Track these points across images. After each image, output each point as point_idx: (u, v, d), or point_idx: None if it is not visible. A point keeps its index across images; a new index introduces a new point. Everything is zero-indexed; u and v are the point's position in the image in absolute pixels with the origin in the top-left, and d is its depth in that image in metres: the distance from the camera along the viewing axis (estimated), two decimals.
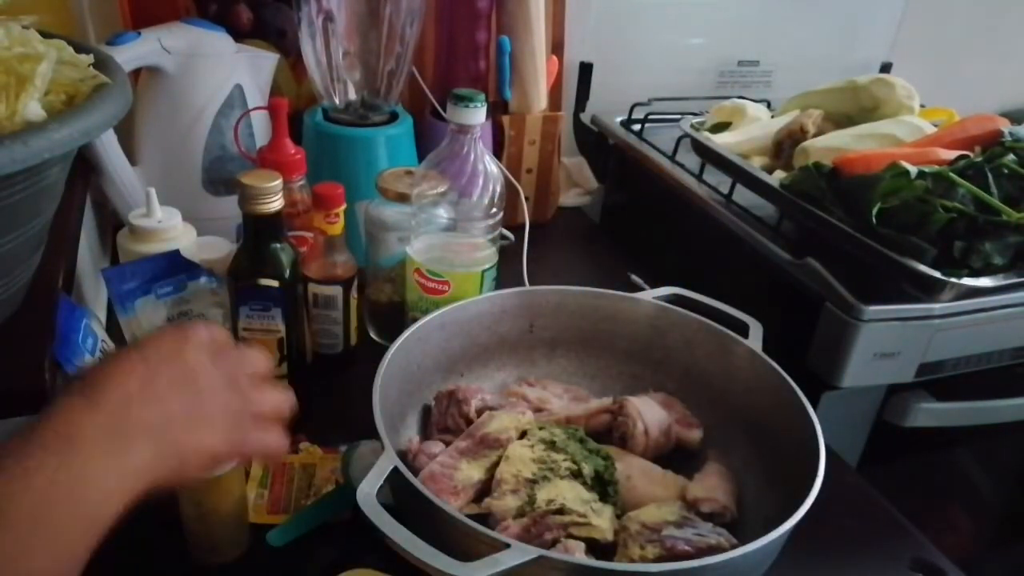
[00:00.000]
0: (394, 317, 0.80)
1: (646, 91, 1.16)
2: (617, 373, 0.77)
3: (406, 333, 0.67)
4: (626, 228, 1.17)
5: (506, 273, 0.84)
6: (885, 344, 0.78)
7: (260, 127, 0.92)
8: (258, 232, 0.63)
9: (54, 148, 0.45)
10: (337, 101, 0.93)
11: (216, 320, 0.72)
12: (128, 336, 0.70)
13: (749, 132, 1.04)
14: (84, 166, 0.84)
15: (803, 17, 1.31)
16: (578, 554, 0.54)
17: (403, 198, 0.77)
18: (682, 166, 1.03)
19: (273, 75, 0.96)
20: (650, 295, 0.77)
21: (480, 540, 0.48)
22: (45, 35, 0.55)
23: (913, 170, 0.78)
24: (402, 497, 0.54)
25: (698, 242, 1.01)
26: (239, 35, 0.94)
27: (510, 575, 0.46)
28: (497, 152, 1.05)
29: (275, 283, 0.64)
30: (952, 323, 0.79)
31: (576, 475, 0.61)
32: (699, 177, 1.00)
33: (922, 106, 1.01)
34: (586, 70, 1.19)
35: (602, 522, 0.58)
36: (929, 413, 0.87)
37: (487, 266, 0.76)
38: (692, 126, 1.03)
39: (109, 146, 0.85)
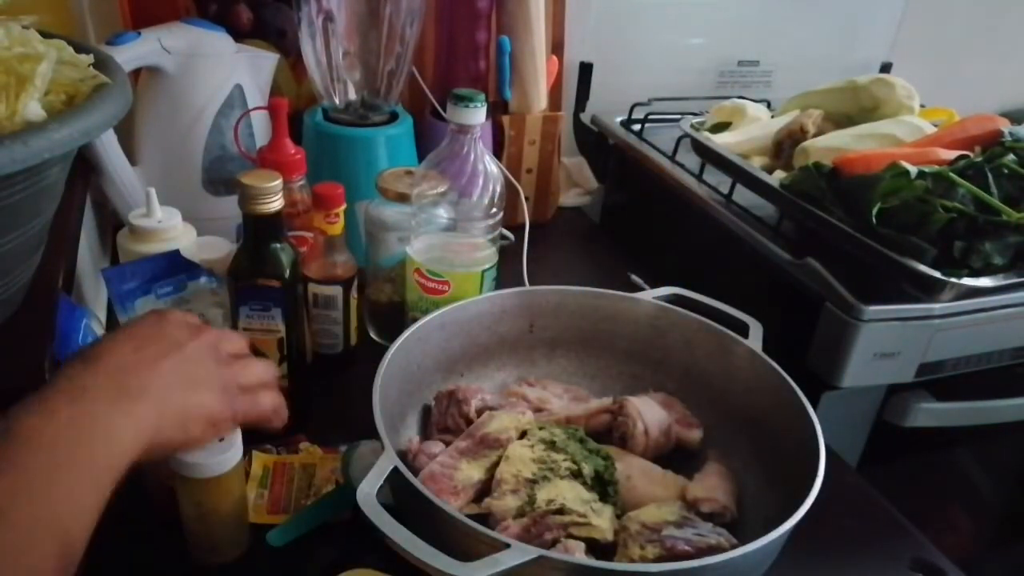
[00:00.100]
0: (394, 317, 0.80)
1: (646, 91, 1.16)
2: (617, 373, 0.77)
3: (406, 333, 0.67)
4: (626, 228, 1.17)
5: (506, 273, 0.84)
6: (885, 344, 0.78)
7: (260, 127, 0.92)
8: (258, 232, 0.63)
9: (54, 148, 0.45)
10: (337, 101, 0.93)
11: (216, 320, 0.72)
12: None
13: (749, 132, 1.04)
14: (84, 166, 0.84)
15: (803, 17, 1.31)
16: (578, 554, 0.54)
17: (403, 198, 0.77)
18: (682, 166, 1.03)
19: (273, 75, 0.96)
20: (650, 295, 0.77)
21: (480, 540, 0.48)
22: (45, 35, 0.55)
23: (913, 170, 0.78)
24: (402, 497, 0.54)
25: (698, 242, 1.01)
26: (239, 35, 0.94)
27: (510, 575, 0.46)
28: (497, 152, 1.05)
29: (275, 283, 0.64)
30: (952, 323, 0.79)
31: (576, 475, 0.61)
32: (699, 177, 1.00)
33: (922, 106, 1.01)
34: (586, 70, 1.19)
35: (602, 522, 0.58)
36: (929, 413, 0.87)
37: (487, 266, 0.76)
38: (692, 126, 1.03)
39: (109, 146, 0.85)
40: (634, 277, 1.00)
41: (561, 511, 0.58)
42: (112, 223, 0.95)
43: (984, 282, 0.77)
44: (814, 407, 0.62)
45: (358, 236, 0.86)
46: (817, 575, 0.64)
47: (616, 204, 1.20)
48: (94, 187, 0.88)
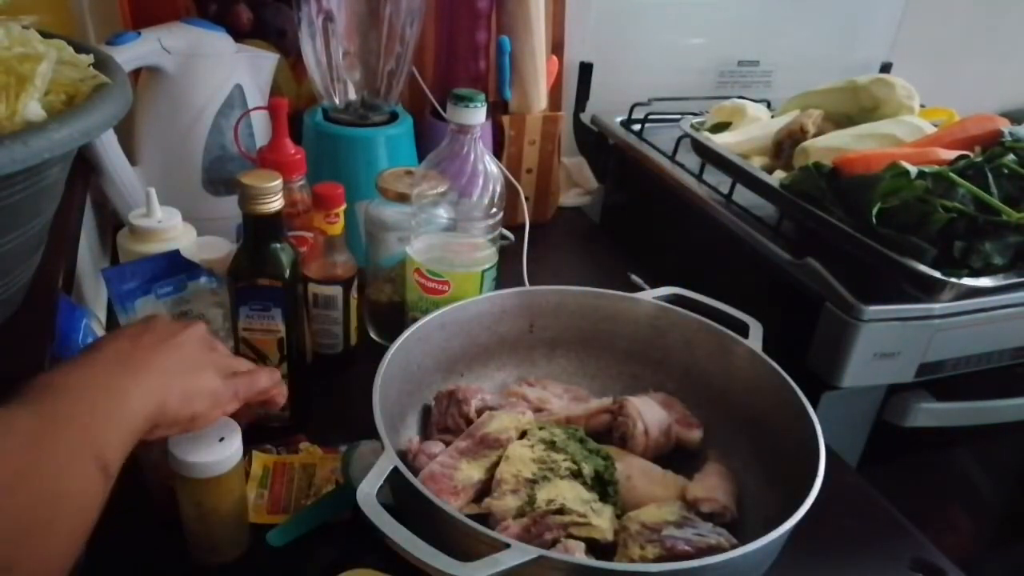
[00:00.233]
0: (394, 317, 0.80)
1: (646, 91, 1.16)
2: (617, 373, 0.77)
3: (406, 333, 0.67)
4: (626, 228, 1.17)
5: (506, 273, 0.84)
6: (885, 344, 0.78)
7: (260, 127, 0.92)
8: (258, 232, 0.63)
9: (54, 148, 0.45)
10: (337, 101, 0.93)
11: (216, 320, 0.72)
12: None
13: (749, 132, 1.04)
14: (84, 166, 0.84)
15: (803, 17, 1.31)
16: (578, 554, 0.54)
17: (403, 198, 0.77)
18: (682, 166, 1.03)
19: (273, 75, 0.96)
20: (650, 295, 0.77)
21: (480, 540, 0.48)
22: (45, 35, 0.55)
23: (913, 170, 0.78)
24: (402, 497, 0.54)
25: (698, 242, 1.01)
26: (239, 35, 0.94)
27: (510, 575, 0.46)
28: (497, 152, 1.05)
29: (275, 283, 0.64)
30: (952, 323, 0.79)
31: (576, 475, 0.61)
32: (699, 177, 1.00)
33: (922, 106, 1.01)
34: (586, 70, 1.19)
35: (602, 522, 0.58)
36: (929, 413, 0.87)
37: (487, 266, 0.76)
38: (692, 126, 1.03)
39: (109, 146, 0.85)
40: (634, 277, 1.00)
41: (561, 511, 0.58)
42: (112, 223, 0.95)
43: (984, 282, 0.77)
44: (814, 407, 0.62)
45: (358, 236, 0.86)
46: (817, 575, 0.64)
47: (616, 204, 1.20)
48: (94, 187, 0.88)
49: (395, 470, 0.52)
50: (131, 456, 0.44)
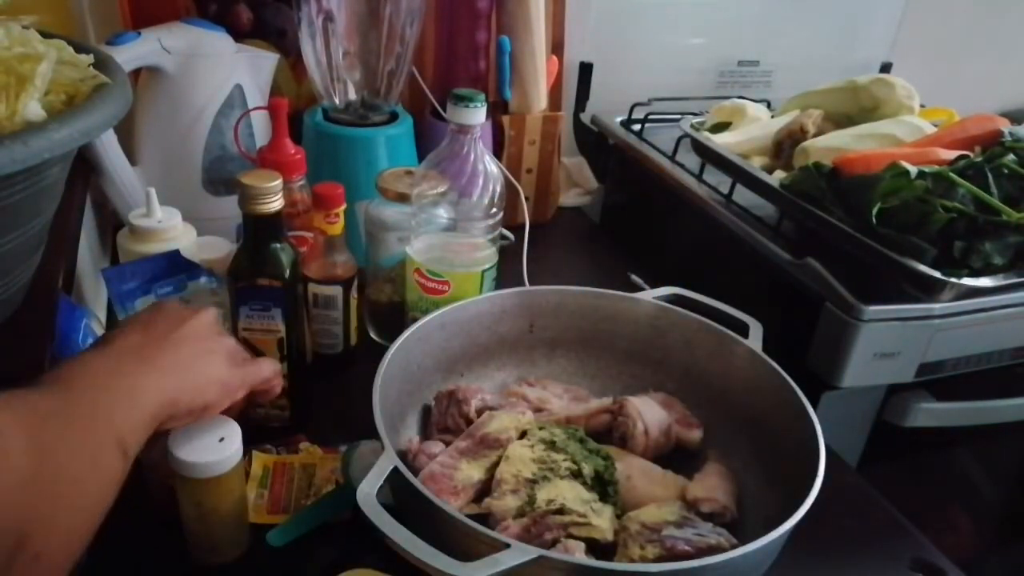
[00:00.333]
0: (394, 317, 0.80)
1: (646, 91, 1.16)
2: (617, 373, 0.77)
3: (406, 333, 0.67)
4: (626, 228, 1.17)
5: (506, 273, 0.84)
6: (885, 344, 0.78)
7: (260, 127, 0.92)
8: (258, 232, 0.63)
9: (54, 148, 0.45)
10: (337, 101, 0.93)
11: None
12: None
13: (749, 132, 1.04)
14: (84, 166, 0.84)
15: (803, 17, 1.31)
16: (578, 554, 0.54)
17: (403, 198, 0.77)
18: (682, 166, 1.03)
19: (273, 75, 0.96)
20: (650, 295, 0.77)
21: (480, 540, 0.48)
22: (45, 35, 0.55)
23: (913, 170, 0.78)
24: (402, 497, 0.54)
25: (698, 242, 1.01)
26: (239, 35, 0.94)
27: (510, 575, 0.46)
28: (497, 152, 1.05)
29: (275, 283, 0.64)
30: (952, 323, 0.79)
31: (576, 475, 0.61)
32: (699, 177, 1.00)
33: (922, 106, 1.01)
34: (586, 70, 1.19)
35: (602, 522, 0.58)
36: (929, 413, 0.87)
37: (487, 266, 0.76)
38: (692, 126, 1.03)
39: (109, 146, 0.85)
40: (634, 277, 1.00)
41: (561, 511, 0.58)
42: (112, 223, 0.95)
43: (984, 282, 0.77)
44: (814, 407, 0.62)
45: (358, 236, 0.86)
46: (817, 575, 0.64)
47: (616, 204, 1.20)
48: (94, 187, 0.88)
49: (395, 470, 0.52)
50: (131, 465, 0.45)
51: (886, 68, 1.38)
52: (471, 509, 0.61)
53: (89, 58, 0.55)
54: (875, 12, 1.36)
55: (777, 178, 0.90)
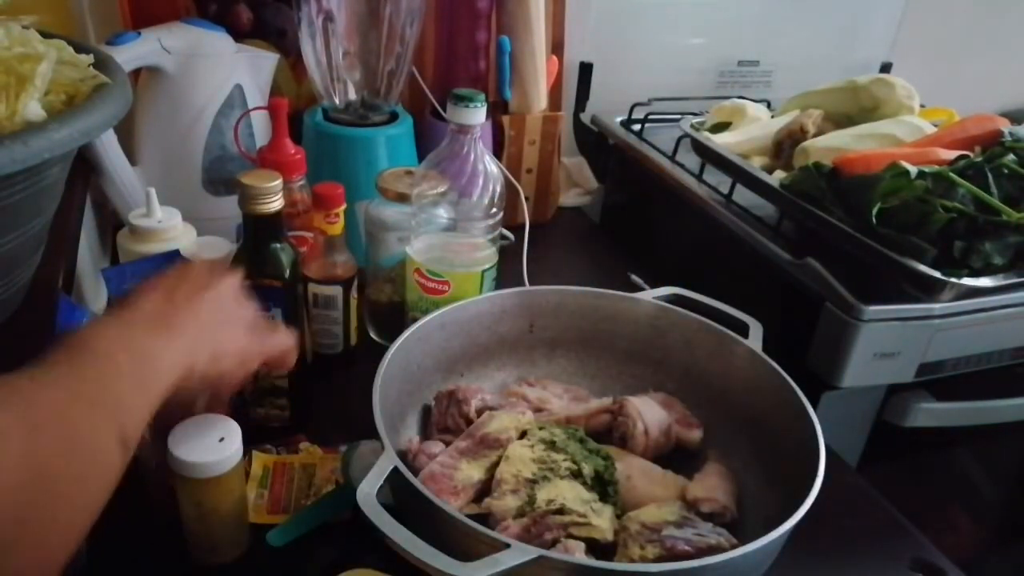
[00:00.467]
0: (394, 317, 0.80)
1: (646, 91, 1.16)
2: (617, 373, 0.77)
3: (406, 333, 0.67)
4: (626, 228, 1.17)
5: (506, 273, 0.84)
6: (885, 344, 0.78)
7: (260, 127, 0.92)
8: (258, 232, 0.63)
9: (54, 148, 0.46)
10: (337, 101, 0.93)
11: None
12: None
13: (749, 132, 1.04)
14: (84, 166, 0.84)
15: (803, 17, 1.31)
16: (578, 554, 0.54)
17: (403, 198, 0.77)
18: (682, 166, 1.03)
19: (273, 75, 0.96)
20: (650, 295, 0.77)
21: (480, 540, 0.48)
22: (45, 35, 0.55)
23: (913, 170, 0.78)
24: (402, 497, 0.54)
25: (698, 242, 1.01)
26: (239, 35, 0.94)
27: (510, 575, 0.46)
28: (497, 152, 1.05)
29: (275, 283, 0.64)
30: (952, 323, 0.79)
31: (576, 475, 0.61)
32: (699, 177, 1.00)
33: (922, 106, 1.01)
34: (586, 70, 1.19)
35: (602, 522, 0.58)
36: (929, 413, 0.87)
37: (487, 266, 0.76)
38: (692, 126, 1.03)
39: (109, 146, 0.85)
40: (634, 277, 1.00)
41: (561, 511, 0.58)
42: (112, 223, 0.95)
43: (984, 282, 0.77)
44: (814, 407, 0.62)
45: (358, 236, 0.86)
46: (817, 575, 0.64)
47: (616, 204, 1.20)
48: (94, 187, 0.88)
49: (395, 470, 0.51)
50: (131, 456, 0.44)
51: (886, 68, 1.38)
52: (471, 509, 0.61)
53: (89, 58, 0.55)
54: (875, 12, 1.36)
55: (777, 178, 0.90)
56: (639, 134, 1.12)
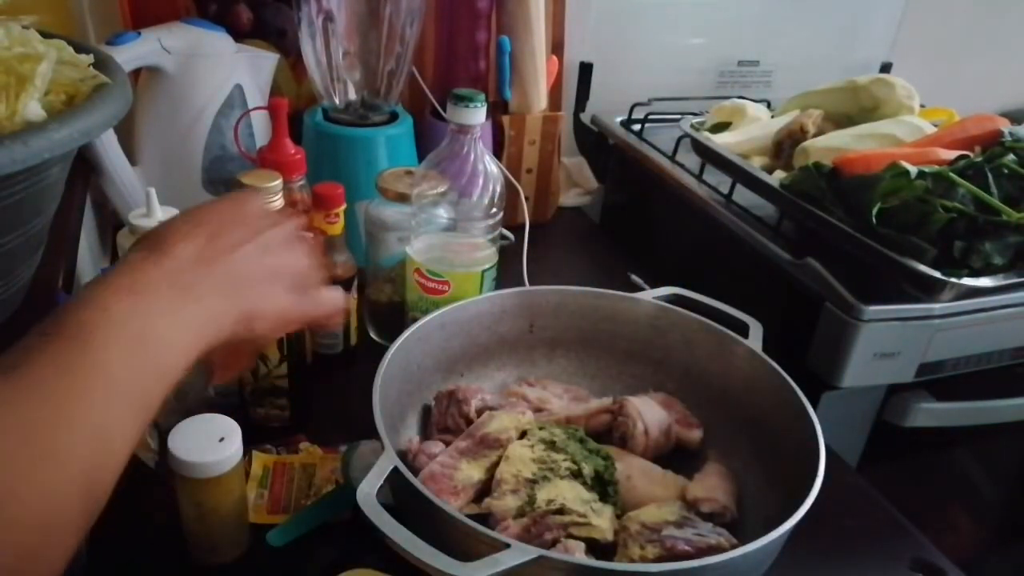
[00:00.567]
0: (394, 317, 0.80)
1: (646, 91, 1.16)
2: (617, 373, 0.77)
3: (406, 333, 0.67)
4: (626, 228, 1.17)
5: (506, 273, 0.84)
6: (885, 344, 0.78)
7: (260, 127, 0.92)
8: None
9: (54, 148, 0.46)
10: (337, 101, 0.93)
11: None
12: None
13: (749, 132, 1.04)
14: (84, 166, 0.84)
15: (803, 17, 1.31)
16: (578, 554, 0.54)
17: (403, 198, 0.77)
18: (682, 166, 1.03)
19: (273, 75, 0.96)
20: (650, 295, 0.77)
21: (480, 540, 0.48)
22: (45, 35, 0.55)
23: (913, 170, 0.78)
24: (402, 497, 0.54)
25: (698, 242, 1.01)
26: (239, 35, 0.94)
27: (510, 575, 0.46)
28: (497, 152, 1.05)
29: None
30: (952, 323, 0.79)
31: (576, 475, 0.61)
32: (699, 177, 1.00)
33: (922, 106, 1.01)
34: (586, 70, 1.19)
35: (602, 522, 0.58)
36: (929, 413, 0.87)
37: (487, 266, 0.76)
38: (692, 126, 1.03)
39: (109, 146, 0.85)
40: (634, 277, 1.00)
41: (561, 511, 0.58)
42: (112, 223, 0.95)
43: (984, 282, 0.77)
44: (814, 407, 0.62)
45: (358, 236, 0.86)
46: (817, 575, 0.64)
47: (616, 204, 1.20)
48: (94, 187, 0.88)
49: (395, 470, 0.51)
50: (131, 456, 0.43)
51: (886, 68, 1.38)
52: (471, 509, 0.61)
53: (89, 58, 0.55)
54: (875, 12, 1.36)
55: (777, 178, 0.90)
56: (639, 134, 1.12)
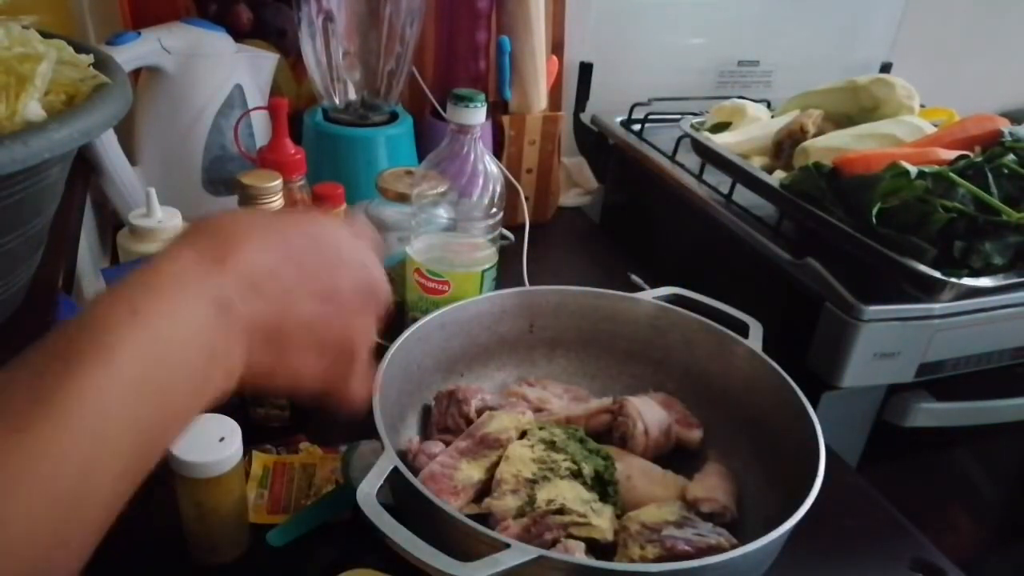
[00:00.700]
0: (394, 317, 0.80)
1: (646, 91, 1.16)
2: (617, 373, 0.77)
3: (406, 333, 0.67)
4: (626, 228, 1.17)
5: (506, 273, 0.84)
6: (885, 344, 0.78)
7: (260, 127, 0.92)
8: None
9: (54, 148, 0.46)
10: (337, 101, 0.93)
11: None
12: None
13: (749, 132, 1.04)
14: (84, 166, 0.84)
15: (803, 17, 1.31)
16: (578, 554, 0.54)
17: (403, 198, 0.77)
18: (682, 166, 1.03)
19: (273, 75, 0.96)
20: (650, 295, 0.77)
21: (480, 540, 0.48)
22: (45, 35, 0.55)
23: (913, 170, 0.78)
24: (402, 497, 0.54)
25: (698, 242, 1.01)
26: (239, 35, 0.94)
27: (510, 575, 0.46)
28: (497, 152, 1.05)
29: None
30: (952, 323, 0.79)
31: (576, 475, 0.61)
32: (699, 177, 1.00)
33: (922, 106, 1.01)
34: (586, 70, 1.19)
35: (602, 522, 0.58)
36: (929, 413, 0.87)
37: (487, 266, 0.76)
38: (692, 126, 1.03)
39: (109, 146, 0.85)
40: (634, 277, 1.00)
41: (561, 511, 0.58)
42: (112, 223, 0.95)
43: (984, 282, 0.77)
44: (814, 407, 0.62)
45: None
46: (817, 575, 0.64)
47: (616, 204, 1.20)
48: (94, 187, 0.88)
49: (395, 470, 0.51)
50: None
51: (886, 68, 1.38)
52: (471, 509, 0.61)
53: (89, 58, 0.55)
54: (875, 12, 1.36)
55: (777, 178, 0.90)
56: (639, 134, 1.12)
